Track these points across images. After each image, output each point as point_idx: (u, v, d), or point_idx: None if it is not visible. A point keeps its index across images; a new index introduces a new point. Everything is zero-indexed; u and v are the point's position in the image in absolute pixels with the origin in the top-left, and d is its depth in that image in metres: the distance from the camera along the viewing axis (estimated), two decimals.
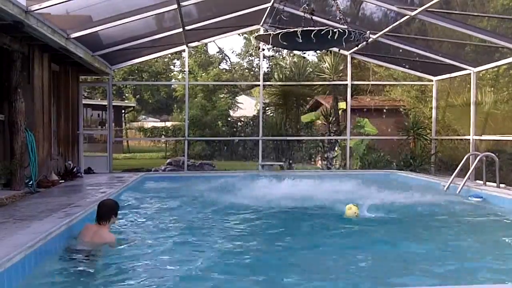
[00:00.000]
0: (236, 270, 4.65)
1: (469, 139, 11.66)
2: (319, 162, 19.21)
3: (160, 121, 39.06)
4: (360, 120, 16.24)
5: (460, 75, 12.44)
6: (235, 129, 25.67)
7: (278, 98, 16.40)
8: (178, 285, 4.14)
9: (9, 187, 8.28)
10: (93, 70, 12.18)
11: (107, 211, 5.23)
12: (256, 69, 34.39)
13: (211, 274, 4.40)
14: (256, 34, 8.18)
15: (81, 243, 5.06)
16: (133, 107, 35.77)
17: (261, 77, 14.46)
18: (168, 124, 31.79)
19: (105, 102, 18.58)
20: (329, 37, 6.66)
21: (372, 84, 17.57)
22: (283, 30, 6.97)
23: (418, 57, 11.92)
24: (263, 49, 8.07)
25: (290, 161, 15.90)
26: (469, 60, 11.53)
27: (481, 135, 11.61)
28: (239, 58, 38.14)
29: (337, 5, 7.85)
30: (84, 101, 18.26)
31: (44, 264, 4.47)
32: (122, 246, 5.23)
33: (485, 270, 4.54)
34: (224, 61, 37.90)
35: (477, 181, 10.00)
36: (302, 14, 7.95)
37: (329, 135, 15.43)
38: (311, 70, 18.90)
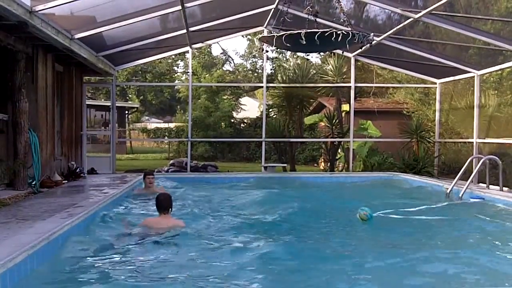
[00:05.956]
0: None
1: (473, 142, 11.63)
2: (322, 164, 19.20)
3: (163, 122, 39.13)
4: (363, 122, 16.22)
5: (463, 78, 12.41)
6: (238, 131, 25.68)
7: (281, 100, 16.39)
8: None
9: (12, 187, 8.32)
10: (97, 70, 12.20)
11: (169, 203, 6.06)
12: (260, 71, 34.42)
13: None
14: (260, 36, 8.15)
15: (154, 230, 5.81)
16: (137, 108, 35.85)
17: (264, 78, 14.46)
18: (171, 125, 31.80)
19: (108, 103, 18.57)
20: (332, 39, 6.64)
21: (375, 87, 17.54)
22: (287, 32, 6.95)
23: (421, 59, 11.90)
24: (267, 51, 8.02)
25: (293, 163, 15.89)
26: (472, 63, 11.50)
27: (484, 138, 11.58)
28: (243, 60, 38.20)
29: (341, 7, 7.83)
30: (88, 102, 18.32)
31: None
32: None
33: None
34: (228, 62, 37.95)
35: (480, 184, 9.97)
36: (306, 16, 7.95)
37: (332, 137, 15.40)
38: (314, 72, 18.87)
